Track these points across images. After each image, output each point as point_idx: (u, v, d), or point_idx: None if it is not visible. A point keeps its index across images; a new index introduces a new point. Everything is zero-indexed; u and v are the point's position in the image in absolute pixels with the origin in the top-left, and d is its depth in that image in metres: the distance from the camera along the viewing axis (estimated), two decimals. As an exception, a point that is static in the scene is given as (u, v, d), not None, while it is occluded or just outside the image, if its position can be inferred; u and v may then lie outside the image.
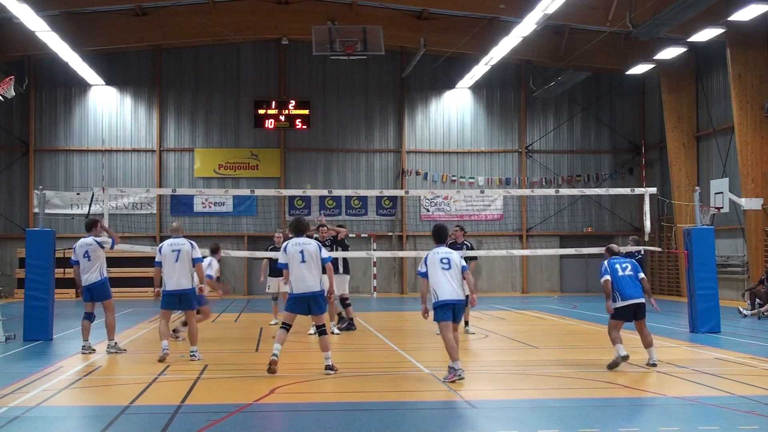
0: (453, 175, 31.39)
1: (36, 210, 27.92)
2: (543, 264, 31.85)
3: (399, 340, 14.28)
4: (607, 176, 31.84)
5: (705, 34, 22.32)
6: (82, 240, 12.78)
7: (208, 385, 9.75)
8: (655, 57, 25.58)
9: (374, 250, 28.91)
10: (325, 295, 10.51)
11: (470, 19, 27.57)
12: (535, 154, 31.97)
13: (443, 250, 10.10)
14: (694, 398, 8.69)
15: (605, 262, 11.13)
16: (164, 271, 11.59)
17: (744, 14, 20.54)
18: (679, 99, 27.78)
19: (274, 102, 30.91)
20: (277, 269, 14.60)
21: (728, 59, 23.71)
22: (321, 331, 10.43)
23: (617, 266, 11.01)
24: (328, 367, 10.27)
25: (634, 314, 10.93)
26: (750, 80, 23.61)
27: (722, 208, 24.78)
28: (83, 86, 30.48)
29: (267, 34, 29.93)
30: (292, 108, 30.94)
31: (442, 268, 9.85)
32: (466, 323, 15.18)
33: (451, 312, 9.84)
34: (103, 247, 12.66)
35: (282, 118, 30.86)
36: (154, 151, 30.70)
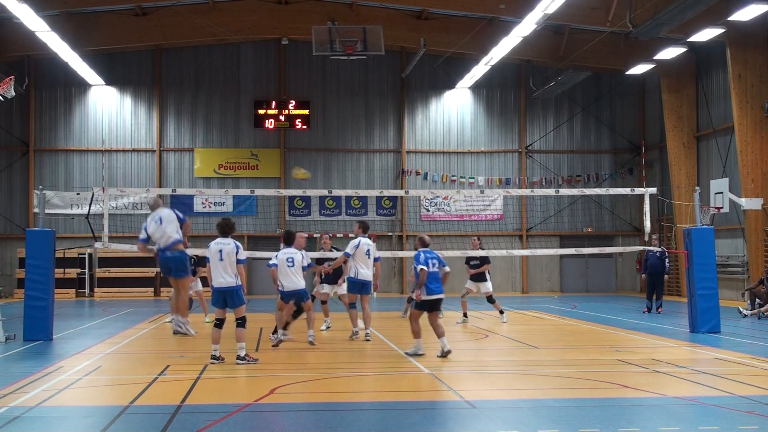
0: (453, 175, 31.40)
1: (36, 210, 27.94)
2: (543, 264, 31.86)
3: (399, 340, 14.28)
4: (607, 176, 31.84)
5: (705, 34, 22.32)
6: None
7: (208, 385, 9.76)
8: (655, 57, 25.58)
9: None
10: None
11: (470, 19, 27.57)
12: (535, 154, 31.97)
13: (290, 251, 12.99)
14: (694, 398, 8.70)
15: (420, 253, 11.91)
16: None
17: (744, 14, 20.53)
18: (679, 99, 27.78)
19: (274, 102, 30.92)
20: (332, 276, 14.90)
21: (728, 59, 23.71)
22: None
23: (429, 261, 11.81)
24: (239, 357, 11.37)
25: (431, 307, 11.78)
26: (750, 80, 23.60)
27: (722, 208, 24.77)
28: (83, 86, 30.49)
29: (267, 34, 29.93)
30: (292, 108, 30.94)
31: (288, 266, 12.83)
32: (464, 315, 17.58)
33: (293, 298, 12.89)
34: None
35: (282, 118, 30.87)
36: (154, 151, 30.71)
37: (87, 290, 29.62)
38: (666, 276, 20.33)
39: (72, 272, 28.84)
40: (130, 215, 29.60)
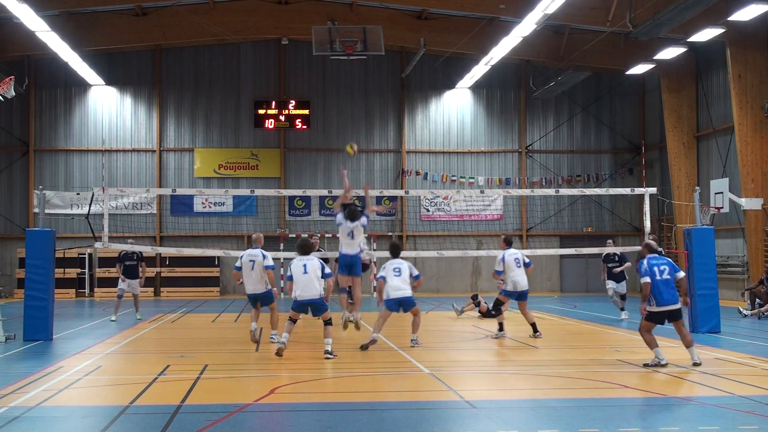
0: (453, 175, 31.39)
1: (36, 210, 27.95)
2: (543, 264, 31.81)
3: (399, 340, 14.27)
4: (607, 176, 31.84)
5: (705, 34, 22.31)
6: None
7: (208, 385, 9.75)
8: (655, 57, 25.57)
9: (374, 250, 28.85)
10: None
11: (470, 19, 27.56)
12: (535, 154, 31.96)
13: (397, 262, 13.62)
14: (694, 398, 8.70)
15: (644, 261, 10.92)
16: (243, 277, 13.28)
17: (744, 14, 20.54)
18: (679, 99, 27.78)
19: (274, 102, 30.91)
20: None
21: (728, 59, 23.72)
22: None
23: (655, 269, 10.81)
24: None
25: (668, 318, 10.86)
26: (750, 80, 23.61)
27: (722, 208, 24.77)
28: (83, 86, 30.48)
29: (267, 34, 29.93)
30: (292, 108, 30.93)
31: (394, 275, 13.31)
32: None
33: (400, 305, 13.34)
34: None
35: (282, 118, 30.86)
36: (154, 151, 30.70)
37: (87, 290, 29.61)
38: None
39: (72, 272, 28.81)
40: (130, 215, 29.61)
